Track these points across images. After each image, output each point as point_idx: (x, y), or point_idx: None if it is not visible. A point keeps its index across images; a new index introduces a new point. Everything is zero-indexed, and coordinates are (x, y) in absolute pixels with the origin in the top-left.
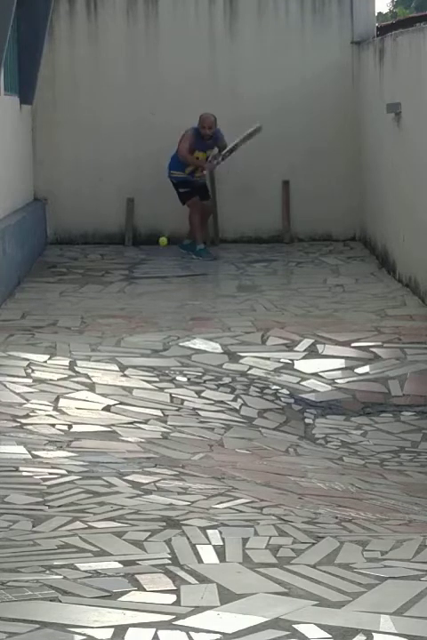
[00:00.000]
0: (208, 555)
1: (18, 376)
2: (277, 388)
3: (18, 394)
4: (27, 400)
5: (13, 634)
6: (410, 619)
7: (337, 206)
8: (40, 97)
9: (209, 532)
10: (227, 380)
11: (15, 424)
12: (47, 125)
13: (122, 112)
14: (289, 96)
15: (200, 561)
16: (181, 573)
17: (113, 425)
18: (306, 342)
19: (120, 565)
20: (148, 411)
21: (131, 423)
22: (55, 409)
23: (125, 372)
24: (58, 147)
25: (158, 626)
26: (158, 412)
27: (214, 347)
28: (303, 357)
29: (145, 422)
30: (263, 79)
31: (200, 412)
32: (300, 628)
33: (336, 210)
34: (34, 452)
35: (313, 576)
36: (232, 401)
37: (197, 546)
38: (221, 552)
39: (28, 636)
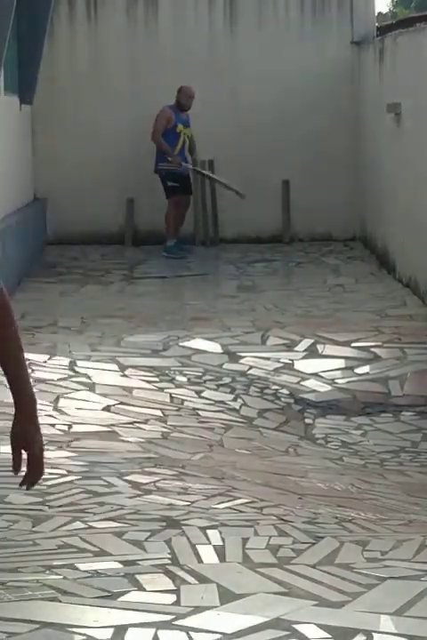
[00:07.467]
0: (208, 555)
1: None
2: (277, 387)
3: None
4: None
5: (13, 634)
6: (410, 619)
7: (337, 206)
8: (40, 97)
9: (209, 532)
10: (227, 379)
11: None
12: (47, 125)
13: (122, 112)
14: (289, 96)
15: (200, 561)
16: (181, 573)
17: (113, 425)
18: (306, 342)
19: (120, 565)
20: (148, 411)
21: (131, 423)
22: (55, 409)
23: (125, 372)
24: (58, 147)
25: (158, 626)
26: (158, 412)
27: (214, 347)
28: (303, 357)
29: (145, 422)
30: (263, 79)
31: (200, 412)
32: (300, 627)
33: (336, 210)
34: None
35: (313, 576)
36: (232, 401)
37: (197, 546)
38: (221, 552)
39: (28, 635)
